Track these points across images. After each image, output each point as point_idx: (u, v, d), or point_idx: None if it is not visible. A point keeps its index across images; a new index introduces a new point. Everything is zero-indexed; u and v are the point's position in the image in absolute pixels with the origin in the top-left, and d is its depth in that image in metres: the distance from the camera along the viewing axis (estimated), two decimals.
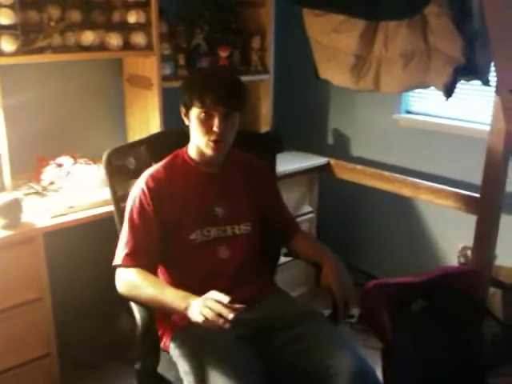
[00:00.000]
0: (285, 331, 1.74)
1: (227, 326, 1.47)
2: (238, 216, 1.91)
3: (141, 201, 1.80)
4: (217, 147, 1.81)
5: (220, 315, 1.48)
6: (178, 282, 1.80)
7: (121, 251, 1.78)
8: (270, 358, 1.70)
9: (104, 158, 1.95)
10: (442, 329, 1.96)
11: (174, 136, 2.02)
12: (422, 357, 1.90)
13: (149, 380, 1.75)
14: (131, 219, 1.80)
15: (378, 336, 1.92)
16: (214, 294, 1.55)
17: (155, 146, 2.05)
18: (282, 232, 2.07)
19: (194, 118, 1.80)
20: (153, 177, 1.84)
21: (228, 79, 1.87)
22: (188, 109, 1.82)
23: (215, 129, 1.77)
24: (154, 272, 1.79)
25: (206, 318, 1.49)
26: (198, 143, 1.84)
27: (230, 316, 1.47)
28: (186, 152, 1.92)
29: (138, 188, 1.83)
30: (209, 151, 1.82)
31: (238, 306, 1.50)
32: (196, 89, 1.78)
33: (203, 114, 1.77)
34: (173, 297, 1.64)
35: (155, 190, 1.81)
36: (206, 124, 1.78)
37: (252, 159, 2.05)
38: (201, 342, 1.65)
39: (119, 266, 1.77)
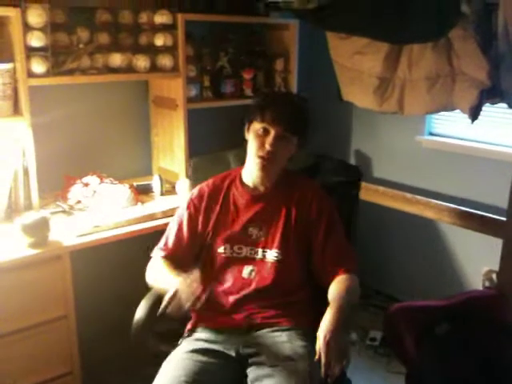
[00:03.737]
0: (258, 368, 1.69)
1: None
2: (270, 241, 1.89)
3: (183, 208, 1.97)
4: (262, 165, 1.85)
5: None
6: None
7: (157, 245, 1.97)
8: None
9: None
10: (467, 352, 1.94)
11: None
12: (448, 381, 1.87)
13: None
14: (172, 221, 1.99)
15: (402, 360, 1.91)
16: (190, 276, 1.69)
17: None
18: (320, 272, 1.88)
19: (252, 132, 1.87)
20: (200, 189, 1.99)
21: (293, 102, 1.95)
22: (250, 123, 1.88)
23: (267, 145, 1.82)
24: (179, 268, 1.87)
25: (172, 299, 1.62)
26: (249, 159, 1.89)
27: (187, 305, 1.61)
28: (239, 170, 1.98)
29: (187, 196, 2.01)
30: (255, 168, 1.87)
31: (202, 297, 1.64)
32: (261, 104, 1.88)
33: (261, 130, 1.84)
34: (165, 279, 1.79)
35: (195, 201, 1.96)
36: (260, 139, 1.84)
37: (305, 191, 1.93)
38: (189, 342, 1.79)
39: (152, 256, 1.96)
